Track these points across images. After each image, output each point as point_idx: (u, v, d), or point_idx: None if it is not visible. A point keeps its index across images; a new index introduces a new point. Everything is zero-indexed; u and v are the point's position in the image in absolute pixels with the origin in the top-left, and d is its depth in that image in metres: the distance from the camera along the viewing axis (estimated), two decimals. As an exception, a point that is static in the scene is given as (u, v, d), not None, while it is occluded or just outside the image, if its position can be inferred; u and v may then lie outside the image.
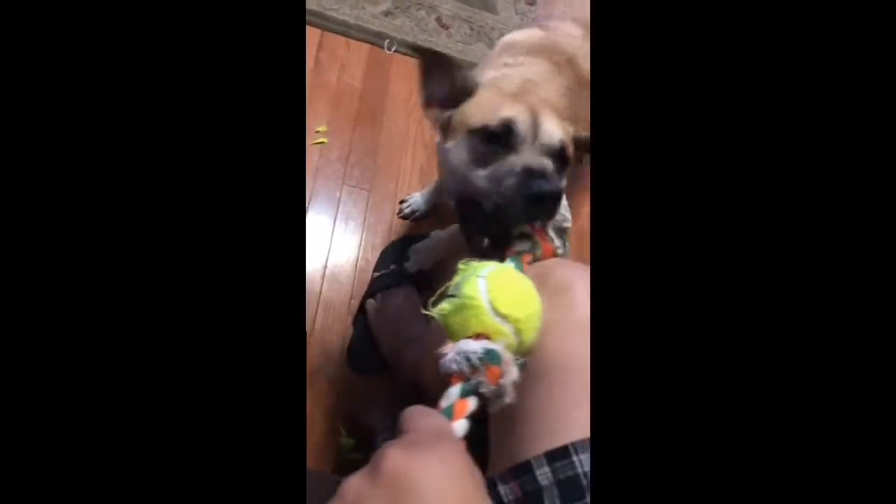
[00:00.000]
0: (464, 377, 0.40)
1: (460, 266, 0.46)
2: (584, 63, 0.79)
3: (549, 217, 0.57)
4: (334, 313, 1.06)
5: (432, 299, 0.45)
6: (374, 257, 1.13)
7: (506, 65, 0.78)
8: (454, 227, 1.02)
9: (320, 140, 1.23)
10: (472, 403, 0.39)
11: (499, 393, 0.40)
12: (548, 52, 0.79)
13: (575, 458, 0.43)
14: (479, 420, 0.40)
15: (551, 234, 0.56)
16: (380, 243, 1.15)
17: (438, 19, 1.51)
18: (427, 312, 0.44)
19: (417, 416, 0.35)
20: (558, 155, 0.62)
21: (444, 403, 0.39)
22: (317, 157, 1.20)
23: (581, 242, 1.14)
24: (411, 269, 1.04)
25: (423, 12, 1.50)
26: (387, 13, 1.45)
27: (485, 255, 0.47)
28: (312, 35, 1.34)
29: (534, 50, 0.80)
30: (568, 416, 0.45)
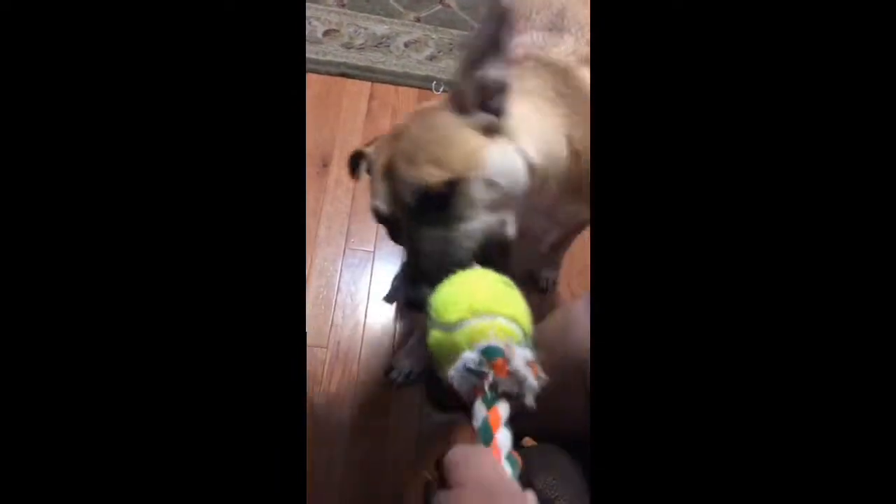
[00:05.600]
0: (479, 390, 0.37)
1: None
2: None
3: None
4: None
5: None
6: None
7: None
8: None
9: (377, 182, 1.27)
10: (503, 409, 0.36)
11: (518, 379, 0.37)
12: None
13: None
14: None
15: None
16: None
17: (481, 56, 1.55)
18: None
19: (462, 464, 0.32)
20: (421, 200, 0.55)
21: (475, 424, 0.36)
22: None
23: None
24: (399, 377, 1.02)
25: (466, 52, 1.55)
26: (431, 58, 1.52)
27: None
28: (363, 87, 1.43)
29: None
30: None
